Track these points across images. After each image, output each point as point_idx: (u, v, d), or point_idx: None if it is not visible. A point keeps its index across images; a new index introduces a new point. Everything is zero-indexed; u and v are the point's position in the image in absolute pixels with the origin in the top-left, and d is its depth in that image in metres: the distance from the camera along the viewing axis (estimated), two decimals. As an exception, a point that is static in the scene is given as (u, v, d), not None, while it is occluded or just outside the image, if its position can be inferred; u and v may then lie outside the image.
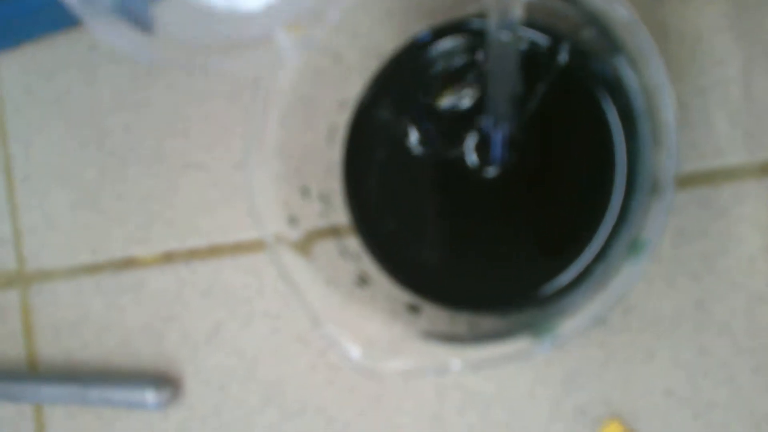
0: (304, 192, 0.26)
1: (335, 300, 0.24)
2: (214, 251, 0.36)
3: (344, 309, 0.24)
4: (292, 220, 0.25)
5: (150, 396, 0.34)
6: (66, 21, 0.38)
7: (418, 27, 0.28)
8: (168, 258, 0.36)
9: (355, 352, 0.22)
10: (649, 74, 0.21)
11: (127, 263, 0.37)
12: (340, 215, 0.28)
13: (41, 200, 0.39)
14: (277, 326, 0.34)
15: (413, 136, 0.27)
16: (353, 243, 0.28)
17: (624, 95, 0.23)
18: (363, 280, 0.26)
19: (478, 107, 0.26)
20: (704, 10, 0.29)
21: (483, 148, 0.26)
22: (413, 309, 0.26)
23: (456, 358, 0.21)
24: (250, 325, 0.35)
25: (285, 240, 0.25)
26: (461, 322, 0.25)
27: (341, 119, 0.29)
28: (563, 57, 0.26)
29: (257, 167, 0.24)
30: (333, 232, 0.27)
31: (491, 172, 0.27)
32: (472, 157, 0.27)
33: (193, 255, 0.36)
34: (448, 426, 0.32)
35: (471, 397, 0.31)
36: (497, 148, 0.25)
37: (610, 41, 0.22)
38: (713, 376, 0.30)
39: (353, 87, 0.28)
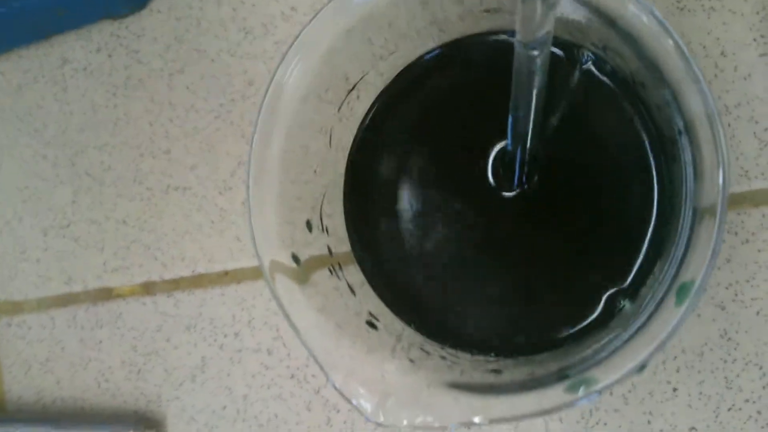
0: (308, 223, 0.24)
1: (344, 343, 0.21)
2: (199, 281, 0.33)
3: (354, 354, 0.21)
4: (294, 254, 0.22)
5: (130, 439, 0.32)
6: (36, 34, 0.35)
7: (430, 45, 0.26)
8: (148, 289, 0.34)
9: (369, 405, 0.19)
10: (690, 100, 0.19)
11: (104, 294, 0.34)
12: (345, 247, 0.26)
13: (10, 226, 0.36)
14: (268, 362, 0.32)
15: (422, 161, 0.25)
16: (360, 280, 0.25)
17: (660, 115, 0.21)
18: (372, 322, 0.24)
19: (495, 127, 0.24)
20: (729, 24, 0.28)
21: (503, 170, 0.24)
22: (427, 352, 0.23)
23: (481, 414, 0.19)
24: (239, 361, 0.32)
25: (286, 274, 0.22)
26: (483, 368, 0.23)
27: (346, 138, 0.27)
28: (586, 68, 0.24)
29: (258, 191, 0.22)
30: (338, 266, 0.25)
31: (512, 198, 0.24)
32: (490, 181, 0.24)
33: (176, 285, 0.33)
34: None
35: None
36: (518, 169, 0.23)
37: (646, 62, 0.20)
38: (740, 412, 0.28)
39: (361, 104, 0.26)
